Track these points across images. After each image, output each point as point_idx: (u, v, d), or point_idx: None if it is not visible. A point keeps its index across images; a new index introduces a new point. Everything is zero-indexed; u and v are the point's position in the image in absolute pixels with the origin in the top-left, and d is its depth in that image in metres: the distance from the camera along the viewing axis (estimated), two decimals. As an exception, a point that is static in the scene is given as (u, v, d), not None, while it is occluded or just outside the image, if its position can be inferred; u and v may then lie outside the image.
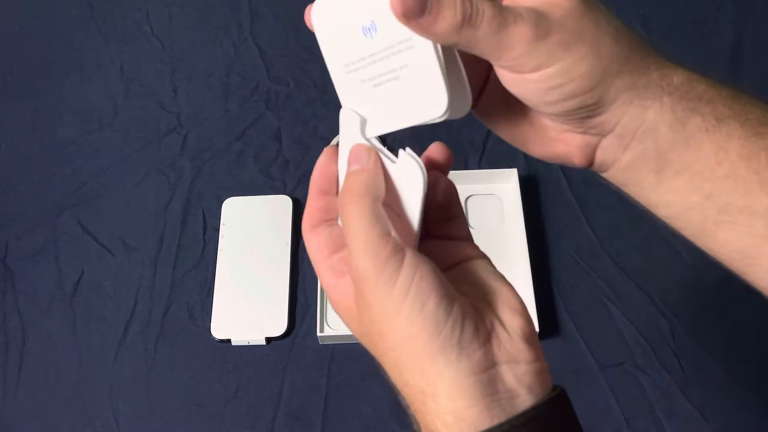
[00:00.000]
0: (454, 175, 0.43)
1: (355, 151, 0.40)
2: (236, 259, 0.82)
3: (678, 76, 0.38)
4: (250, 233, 0.84)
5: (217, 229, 0.85)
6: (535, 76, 0.37)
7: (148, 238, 0.85)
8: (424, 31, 0.37)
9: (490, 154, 0.88)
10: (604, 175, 0.42)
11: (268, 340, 0.78)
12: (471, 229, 0.89)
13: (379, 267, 0.35)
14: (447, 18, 0.36)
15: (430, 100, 0.39)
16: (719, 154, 0.37)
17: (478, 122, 0.44)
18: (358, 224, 0.36)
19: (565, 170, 0.87)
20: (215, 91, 0.96)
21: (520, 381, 0.35)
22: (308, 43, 1.00)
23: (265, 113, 0.94)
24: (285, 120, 0.93)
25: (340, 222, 0.41)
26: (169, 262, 0.83)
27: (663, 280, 0.80)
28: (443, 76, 0.38)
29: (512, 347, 0.36)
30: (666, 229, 0.89)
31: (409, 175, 0.40)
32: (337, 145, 0.42)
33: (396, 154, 0.40)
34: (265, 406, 0.75)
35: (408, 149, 0.40)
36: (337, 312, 0.40)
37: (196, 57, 0.99)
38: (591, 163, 0.41)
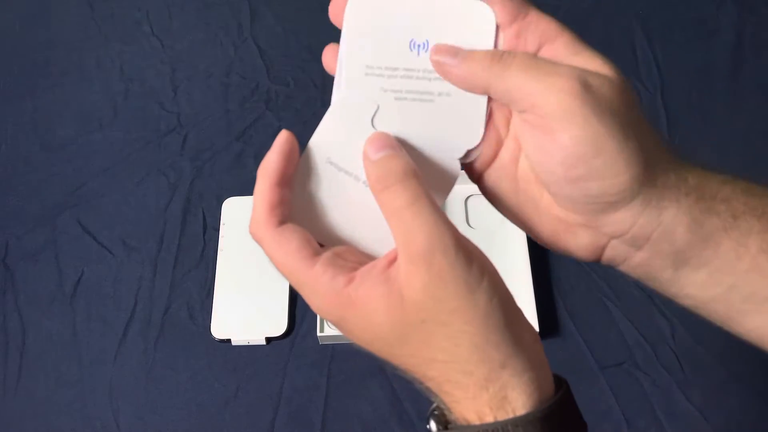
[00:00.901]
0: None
1: (381, 138, 0.38)
2: (236, 259, 0.82)
3: (693, 177, 0.37)
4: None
5: (217, 229, 0.85)
6: (565, 138, 0.35)
7: (148, 238, 0.85)
8: (454, 71, 0.38)
9: (490, 154, 0.88)
10: (616, 268, 0.40)
11: (268, 340, 0.78)
12: (471, 229, 0.89)
13: (455, 244, 0.34)
14: (476, 57, 0.37)
15: (464, 130, 0.39)
16: (739, 250, 0.37)
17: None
18: (424, 204, 0.35)
19: (565, 170, 0.87)
20: (215, 91, 0.96)
21: (545, 360, 0.37)
22: (308, 43, 1.00)
23: (265, 113, 0.94)
24: (285, 120, 0.93)
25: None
26: (169, 262, 0.83)
27: (663, 280, 0.80)
28: (485, 117, 0.39)
29: (533, 330, 0.37)
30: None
31: (440, 171, 0.39)
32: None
33: None
34: (265, 406, 0.75)
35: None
36: (351, 312, 0.36)
37: (196, 57, 0.99)
38: (598, 259, 0.40)
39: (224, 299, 0.80)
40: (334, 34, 0.43)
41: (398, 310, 0.35)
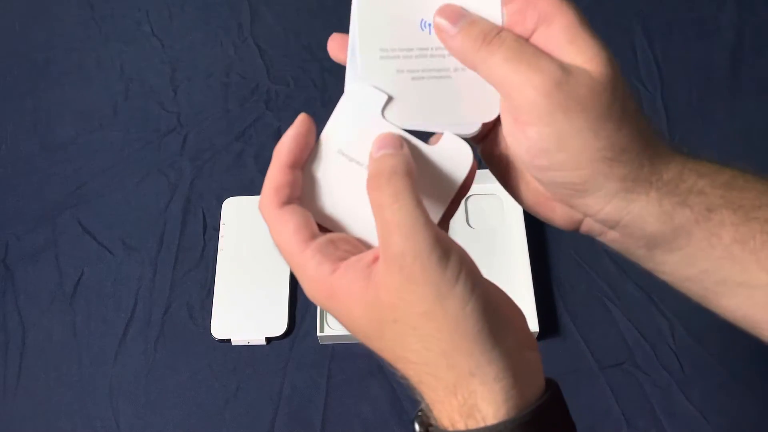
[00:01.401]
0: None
1: (386, 137, 0.39)
2: (236, 259, 0.82)
3: (669, 172, 0.38)
4: (250, 233, 0.84)
5: (217, 229, 0.85)
6: (531, 131, 0.37)
7: (148, 238, 0.85)
8: (449, 42, 0.39)
9: (490, 154, 0.88)
10: (596, 239, 0.41)
11: (268, 340, 0.78)
12: (471, 229, 0.89)
13: (429, 246, 0.34)
14: (471, 35, 0.38)
15: (481, 104, 0.40)
16: (711, 239, 0.38)
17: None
18: (404, 205, 0.35)
19: (565, 170, 0.87)
20: (215, 91, 0.96)
21: (537, 365, 0.37)
22: (308, 43, 1.00)
23: (265, 113, 0.94)
24: (285, 120, 0.93)
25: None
26: (169, 262, 0.83)
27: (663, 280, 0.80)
28: None
29: (524, 336, 0.37)
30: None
31: (452, 159, 0.40)
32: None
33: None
34: (265, 406, 0.75)
35: (449, 132, 0.40)
36: (333, 301, 0.37)
37: (196, 57, 0.99)
38: (577, 230, 0.41)
39: (224, 299, 0.80)
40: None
41: (374, 307, 0.36)
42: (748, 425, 0.73)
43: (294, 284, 0.81)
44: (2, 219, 0.88)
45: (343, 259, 0.37)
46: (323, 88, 0.94)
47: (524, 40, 0.38)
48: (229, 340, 0.78)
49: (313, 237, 0.38)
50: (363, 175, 0.39)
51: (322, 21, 0.99)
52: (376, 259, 0.36)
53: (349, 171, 0.40)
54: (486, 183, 0.85)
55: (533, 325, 0.74)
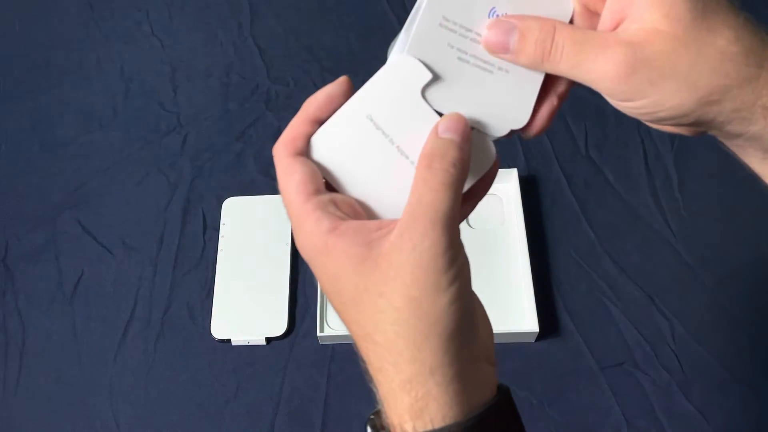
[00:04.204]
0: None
1: (458, 120, 0.38)
2: (236, 259, 0.82)
3: None
4: (250, 233, 0.84)
5: (217, 229, 0.85)
6: (623, 104, 0.37)
7: (148, 238, 0.85)
8: (515, 62, 0.39)
9: (490, 154, 0.88)
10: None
11: (268, 340, 0.78)
12: (471, 229, 0.89)
13: (448, 243, 0.35)
14: (528, 55, 0.38)
15: (514, 110, 0.40)
16: None
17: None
18: (448, 197, 0.36)
19: (564, 170, 0.87)
20: (215, 91, 0.96)
21: (490, 378, 0.38)
22: (308, 43, 1.00)
23: (265, 113, 0.94)
24: (285, 120, 0.92)
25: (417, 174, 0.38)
26: (169, 262, 0.83)
27: (663, 280, 0.80)
28: (534, 100, 0.40)
29: (485, 349, 0.38)
30: (666, 229, 0.89)
31: (476, 154, 0.39)
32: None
33: None
34: (265, 406, 0.75)
35: (477, 130, 0.40)
36: (323, 257, 0.37)
37: (196, 57, 0.99)
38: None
39: (224, 299, 0.80)
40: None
41: (365, 275, 0.36)
42: (748, 425, 0.73)
43: (294, 284, 0.81)
44: (2, 219, 0.88)
45: (342, 219, 0.37)
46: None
47: (579, 31, 0.38)
48: (229, 340, 0.78)
49: (317, 192, 0.38)
50: (386, 147, 0.39)
51: (322, 21, 0.99)
52: (379, 228, 0.37)
53: (372, 138, 0.39)
54: (486, 183, 0.85)
55: (533, 325, 0.74)
